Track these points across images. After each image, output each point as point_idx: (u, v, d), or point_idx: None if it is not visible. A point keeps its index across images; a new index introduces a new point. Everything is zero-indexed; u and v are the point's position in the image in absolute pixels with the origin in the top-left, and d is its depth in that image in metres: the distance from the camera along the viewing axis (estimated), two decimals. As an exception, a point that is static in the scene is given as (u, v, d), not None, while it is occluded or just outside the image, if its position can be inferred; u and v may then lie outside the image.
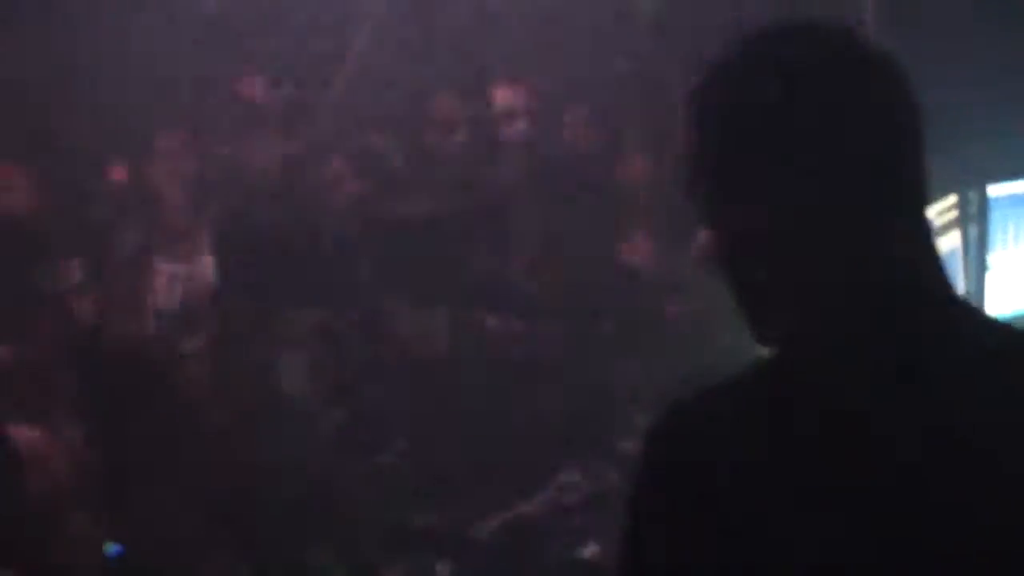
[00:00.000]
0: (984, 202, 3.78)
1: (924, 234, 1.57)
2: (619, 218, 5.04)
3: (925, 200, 1.56)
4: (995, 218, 3.80)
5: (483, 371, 4.68)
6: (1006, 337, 1.57)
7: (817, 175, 1.51)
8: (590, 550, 4.30)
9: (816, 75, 1.52)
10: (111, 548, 3.74)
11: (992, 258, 3.80)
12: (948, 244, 3.72)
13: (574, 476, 4.45)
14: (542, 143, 5.26)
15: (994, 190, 3.80)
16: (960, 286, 3.69)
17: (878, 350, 1.49)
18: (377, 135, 5.34)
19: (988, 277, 3.79)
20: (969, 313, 1.60)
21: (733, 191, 1.54)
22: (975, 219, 3.75)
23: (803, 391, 1.48)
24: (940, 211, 3.81)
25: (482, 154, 5.21)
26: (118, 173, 4.98)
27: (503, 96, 5.23)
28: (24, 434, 3.46)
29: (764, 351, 1.55)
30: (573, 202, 5.00)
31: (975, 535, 1.45)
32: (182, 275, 4.68)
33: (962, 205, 3.74)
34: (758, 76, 1.54)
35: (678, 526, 1.47)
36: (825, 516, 1.43)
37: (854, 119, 1.52)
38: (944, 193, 3.78)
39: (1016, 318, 3.75)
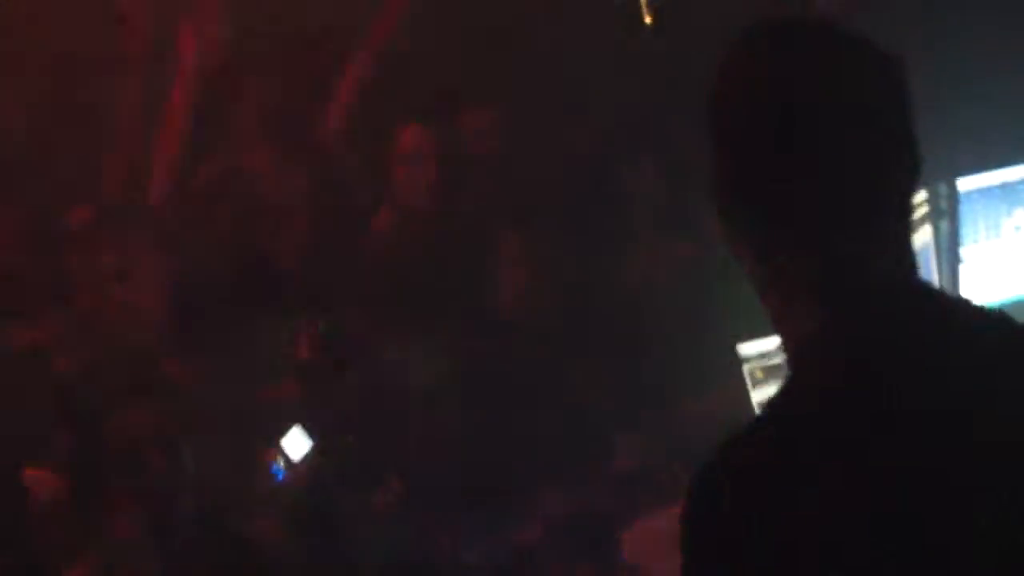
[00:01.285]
0: (954, 195, 3.79)
1: (908, 235, 1.60)
2: (614, 233, 4.99)
3: (911, 202, 1.58)
4: (965, 211, 3.81)
5: (464, 397, 4.66)
6: (1005, 323, 1.60)
7: (815, 179, 1.52)
8: (582, 570, 4.30)
9: (816, 83, 1.53)
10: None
11: (964, 251, 3.80)
12: (920, 239, 3.73)
13: (561, 497, 4.45)
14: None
15: (964, 183, 3.81)
16: (933, 281, 3.69)
17: (902, 358, 1.50)
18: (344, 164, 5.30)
19: (961, 270, 3.80)
20: (965, 305, 1.61)
21: (741, 199, 1.56)
22: (946, 213, 3.76)
23: (834, 422, 1.47)
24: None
25: (454, 180, 5.17)
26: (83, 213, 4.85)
27: (471, 121, 5.20)
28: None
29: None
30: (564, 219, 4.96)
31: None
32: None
33: (932, 199, 3.75)
34: (757, 87, 1.55)
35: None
36: (900, 535, 1.42)
37: (853, 123, 1.53)
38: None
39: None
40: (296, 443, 4.27)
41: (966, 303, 1.64)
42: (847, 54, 1.58)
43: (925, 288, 1.63)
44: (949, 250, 3.76)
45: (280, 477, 4.26)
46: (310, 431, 4.28)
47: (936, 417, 1.48)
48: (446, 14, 5.31)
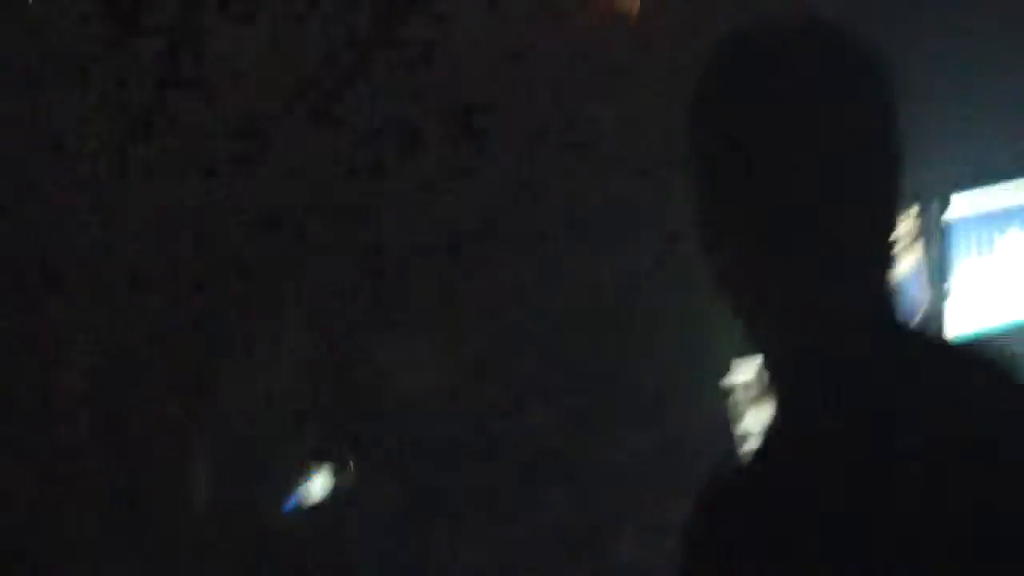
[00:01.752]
0: (944, 224, 3.76)
1: (888, 260, 1.58)
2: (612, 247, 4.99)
3: (892, 225, 1.56)
4: (958, 229, 3.79)
5: (461, 399, 4.69)
6: (961, 358, 1.59)
7: (796, 195, 1.50)
8: (577, 569, 4.33)
9: (803, 92, 1.50)
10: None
11: (955, 269, 3.78)
12: (909, 264, 3.71)
13: (560, 496, 4.48)
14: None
15: (957, 201, 3.78)
16: (924, 304, 3.68)
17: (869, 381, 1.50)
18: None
19: (951, 288, 3.78)
20: (922, 337, 1.61)
21: (719, 212, 1.54)
22: (938, 231, 3.74)
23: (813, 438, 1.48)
24: (901, 232, 3.77)
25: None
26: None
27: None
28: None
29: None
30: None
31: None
32: None
33: (925, 217, 3.73)
34: (740, 95, 1.51)
35: None
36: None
37: (838, 135, 1.51)
38: (904, 213, 3.75)
39: (977, 336, 3.72)
40: (318, 484, 4.33)
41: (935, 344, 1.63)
42: (836, 58, 1.55)
43: (892, 326, 1.61)
44: (940, 267, 3.75)
45: (291, 506, 4.32)
46: (336, 473, 4.34)
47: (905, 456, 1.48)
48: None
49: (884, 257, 1.59)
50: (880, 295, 1.58)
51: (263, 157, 4.53)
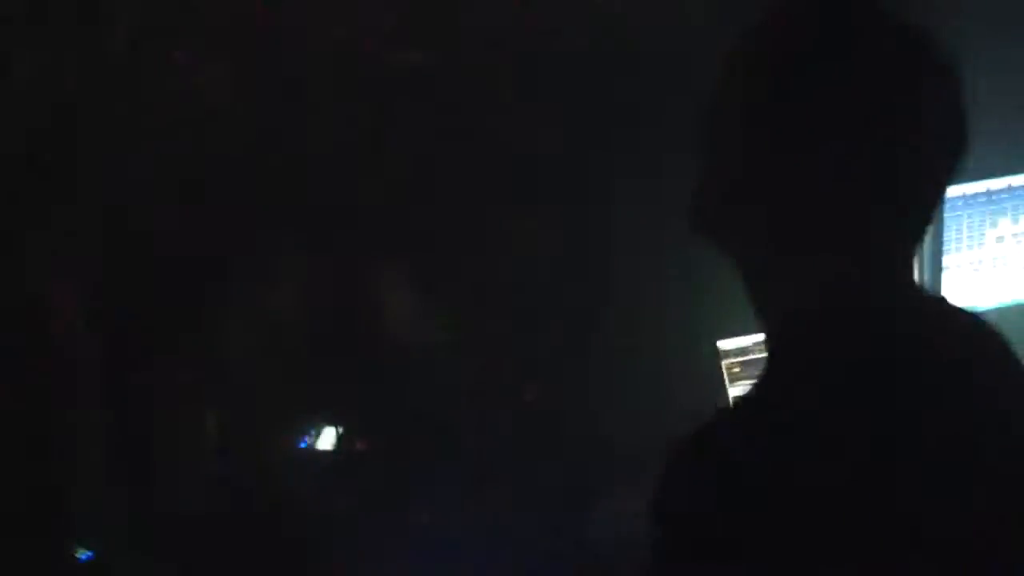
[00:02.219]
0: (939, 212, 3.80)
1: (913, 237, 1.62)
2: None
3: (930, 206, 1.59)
4: (949, 219, 3.84)
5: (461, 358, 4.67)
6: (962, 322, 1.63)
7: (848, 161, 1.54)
8: (562, 544, 4.30)
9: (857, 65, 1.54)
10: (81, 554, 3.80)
11: (946, 259, 3.83)
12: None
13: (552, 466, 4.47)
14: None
15: (949, 191, 3.82)
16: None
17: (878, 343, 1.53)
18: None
19: (942, 278, 3.83)
20: (942, 307, 1.64)
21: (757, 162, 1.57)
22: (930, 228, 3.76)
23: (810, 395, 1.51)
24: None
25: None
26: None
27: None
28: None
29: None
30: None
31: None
32: None
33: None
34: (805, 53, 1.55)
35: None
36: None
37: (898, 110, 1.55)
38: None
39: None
40: (327, 438, 4.33)
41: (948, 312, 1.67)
42: (893, 41, 1.59)
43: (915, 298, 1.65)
44: (931, 257, 3.78)
45: (302, 445, 4.31)
46: (341, 437, 4.34)
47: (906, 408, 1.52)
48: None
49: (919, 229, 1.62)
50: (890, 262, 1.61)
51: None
